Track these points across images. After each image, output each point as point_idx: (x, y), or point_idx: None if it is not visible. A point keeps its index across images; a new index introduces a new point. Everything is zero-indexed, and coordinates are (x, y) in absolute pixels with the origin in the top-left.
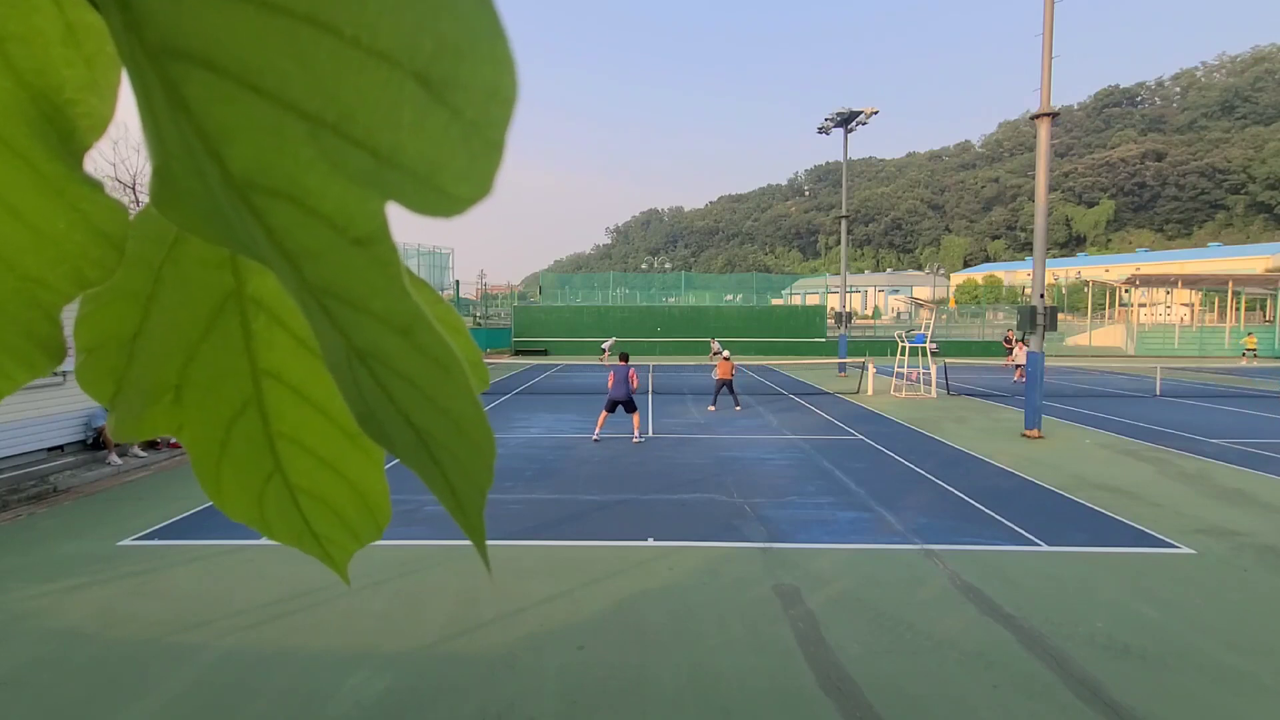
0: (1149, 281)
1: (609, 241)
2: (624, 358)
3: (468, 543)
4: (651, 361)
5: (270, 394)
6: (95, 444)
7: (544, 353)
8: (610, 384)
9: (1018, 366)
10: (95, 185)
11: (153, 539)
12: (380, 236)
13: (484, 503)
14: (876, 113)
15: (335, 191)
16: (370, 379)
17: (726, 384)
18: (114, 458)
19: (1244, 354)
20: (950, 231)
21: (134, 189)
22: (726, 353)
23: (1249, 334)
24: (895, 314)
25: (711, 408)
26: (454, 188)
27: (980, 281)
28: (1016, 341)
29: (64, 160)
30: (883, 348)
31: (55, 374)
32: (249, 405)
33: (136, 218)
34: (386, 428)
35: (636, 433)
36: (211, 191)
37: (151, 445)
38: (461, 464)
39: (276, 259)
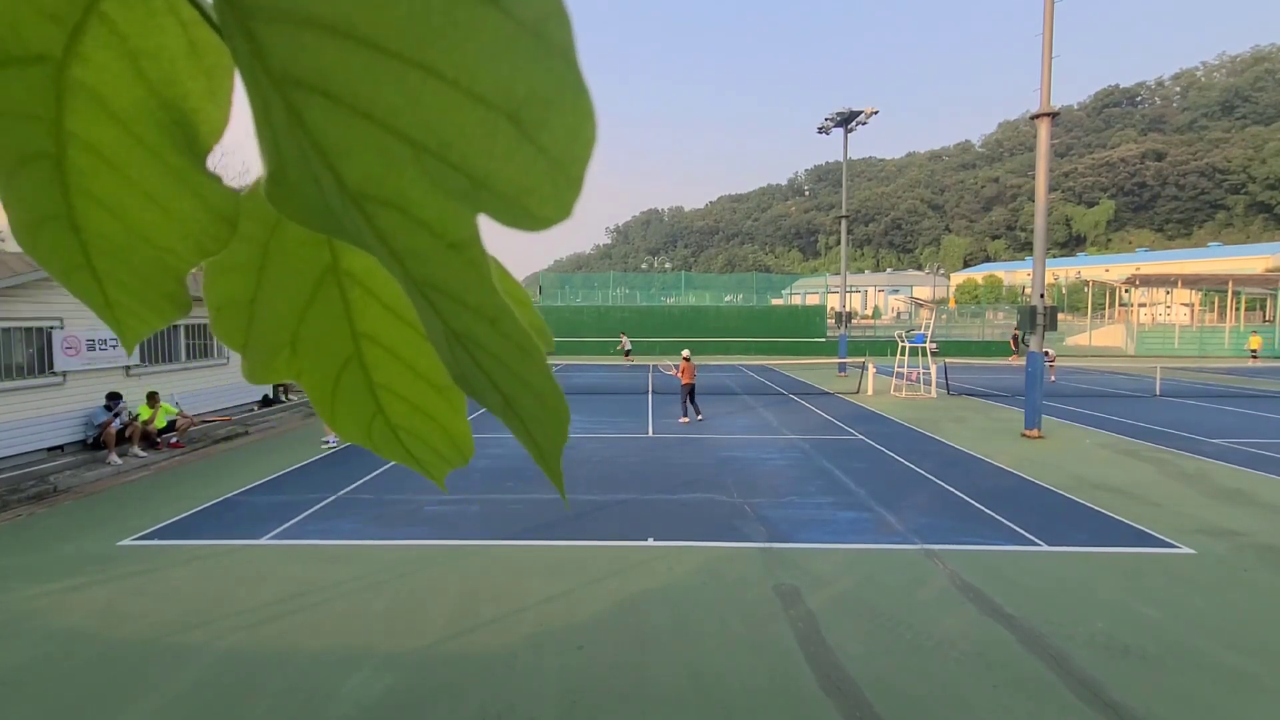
0: (1149, 281)
1: (609, 241)
2: None
3: (468, 542)
4: (651, 361)
5: (368, 352)
6: (95, 444)
7: None
8: None
9: (1050, 365)
10: (215, 177)
11: (153, 539)
12: (472, 242)
13: (561, 454)
14: (876, 113)
15: (435, 204)
16: (465, 353)
17: (689, 390)
18: (114, 458)
19: (1251, 355)
20: (950, 231)
21: None
22: (686, 352)
23: (1254, 333)
24: (895, 314)
25: (684, 419)
26: (539, 210)
27: (980, 281)
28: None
29: (190, 159)
30: (883, 348)
31: (55, 374)
32: (351, 360)
33: (243, 201)
34: (478, 390)
35: None
36: (323, 194)
37: (152, 445)
38: (541, 424)
39: (385, 255)
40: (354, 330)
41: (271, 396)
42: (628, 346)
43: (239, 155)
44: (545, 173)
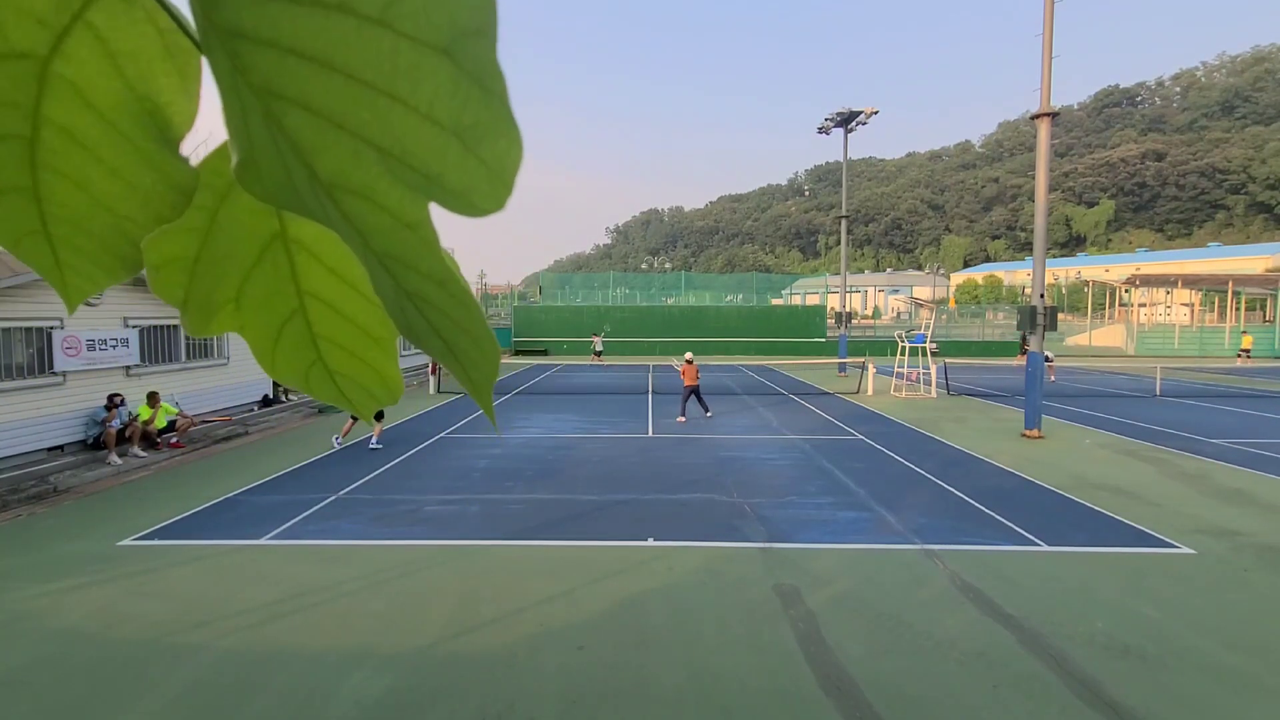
0: (1149, 281)
1: (609, 241)
2: None
3: (468, 542)
4: (651, 361)
5: (311, 308)
6: (95, 444)
7: (544, 353)
8: None
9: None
10: (182, 160)
11: (153, 539)
12: (425, 223)
13: (492, 387)
14: (876, 113)
15: (396, 194)
16: (413, 308)
17: (694, 390)
18: (114, 458)
19: (1239, 354)
20: (950, 231)
21: None
22: (689, 354)
23: (1244, 333)
24: (895, 314)
25: (680, 419)
26: (479, 203)
27: (980, 281)
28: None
29: (160, 143)
30: (883, 348)
31: (55, 374)
32: (295, 314)
33: (199, 172)
34: (422, 338)
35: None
36: (291, 179)
37: (152, 445)
38: (476, 364)
39: (349, 232)
40: (299, 289)
41: (271, 397)
42: (599, 348)
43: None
44: (485, 177)
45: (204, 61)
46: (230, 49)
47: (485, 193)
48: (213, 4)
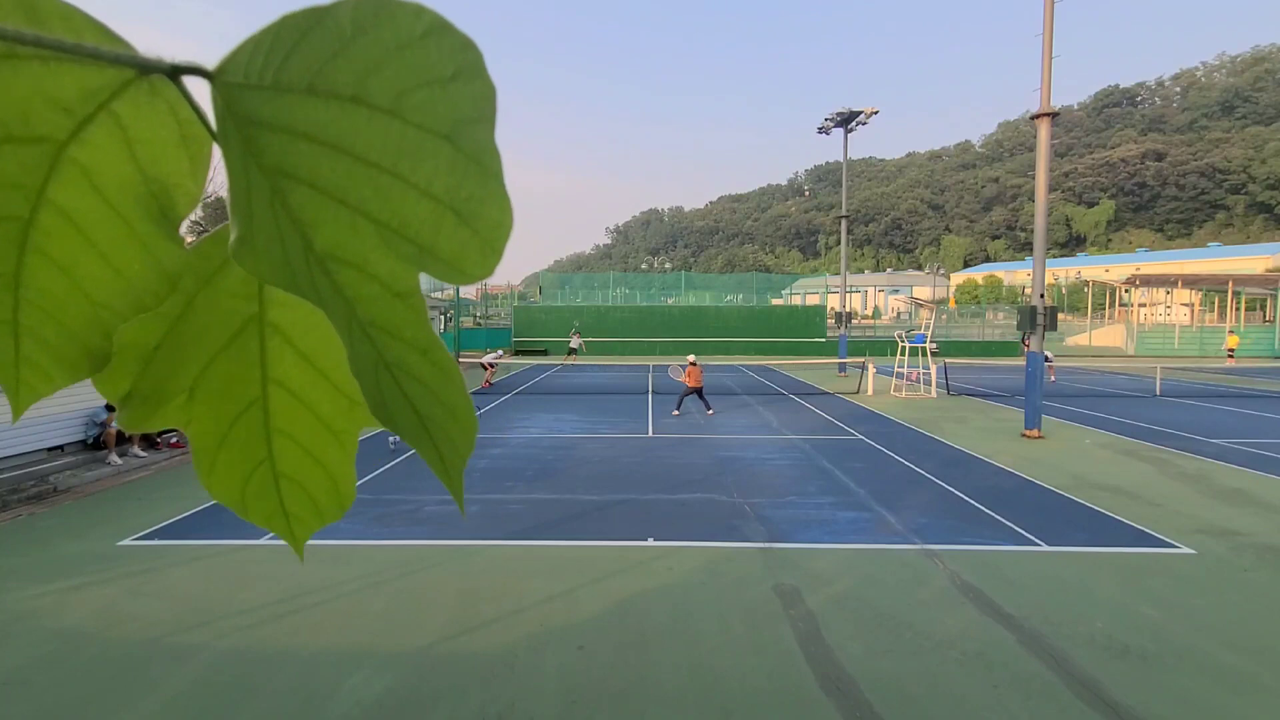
0: (1149, 281)
1: (609, 241)
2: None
3: (468, 542)
4: (651, 361)
5: (274, 397)
6: (95, 444)
7: (544, 353)
8: None
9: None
10: (178, 241)
11: (153, 539)
12: (414, 292)
13: (464, 466)
14: (876, 113)
15: (388, 264)
16: (391, 381)
17: (696, 391)
18: (114, 458)
19: (1229, 354)
20: (950, 231)
21: None
22: (693, 357)
23: (1230, 333)
24: (895, 314)
25: (675, 412)
26: (470, 270)
27: (980, 281)
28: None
29: (159, 224)
30: (883, 348)
31: None
32: (254, 404)
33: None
34: (394, 414)
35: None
36: (286, 254)
37: (152, 445)
38: (451, 439)
39: (337, 301)
40: (265, 376)
41: None
42: (573, 345)
43: None
44: (476, 246)
45: (214, 147)
46: (245, 135)
47: (476, 260)
48: (235, 97)
